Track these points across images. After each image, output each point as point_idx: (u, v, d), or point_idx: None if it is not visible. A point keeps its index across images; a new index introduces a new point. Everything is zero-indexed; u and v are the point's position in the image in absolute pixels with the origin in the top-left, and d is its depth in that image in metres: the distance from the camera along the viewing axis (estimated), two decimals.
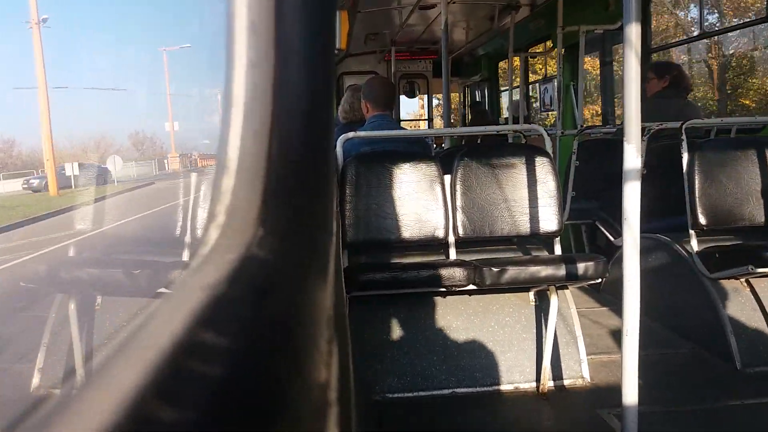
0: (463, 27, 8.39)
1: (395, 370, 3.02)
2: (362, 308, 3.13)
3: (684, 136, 3.50)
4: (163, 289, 2.94)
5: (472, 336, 3.13)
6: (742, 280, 3.35)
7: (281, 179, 0.49)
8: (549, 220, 3.25)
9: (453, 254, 3.28)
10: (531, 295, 3.22)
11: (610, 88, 6.99)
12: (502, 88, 9.89)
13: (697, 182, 3.45)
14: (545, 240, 3.38)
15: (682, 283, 3.52)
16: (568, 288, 3.19)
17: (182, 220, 3.38)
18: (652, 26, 6.14)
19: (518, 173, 3.30)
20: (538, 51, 8.15)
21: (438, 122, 13.06)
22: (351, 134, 3.44)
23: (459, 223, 3.25)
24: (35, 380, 3.16)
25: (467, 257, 3.20)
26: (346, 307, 2.62)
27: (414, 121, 12.58)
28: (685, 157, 3.48)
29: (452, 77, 8.88)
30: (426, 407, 2.87)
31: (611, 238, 4.44)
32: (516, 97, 7.87)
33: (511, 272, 2.83)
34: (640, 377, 2.22)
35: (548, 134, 3.51)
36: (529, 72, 8.84)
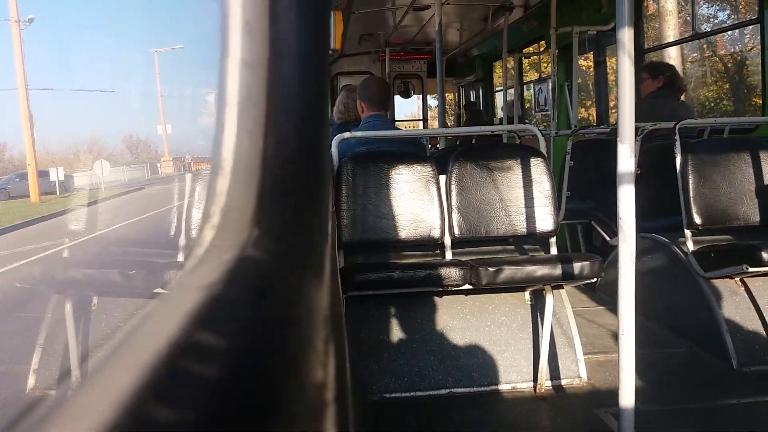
0: (457, 28, 8.41)
1: (392, 370, 3.02)
2: (359, 308, 3.14)
3: (677, 136, 3.51)
4: (159, 290, 2.94)
5: (468, 336, 3.14)
6: (737, 279, 3.37)
7: (276, 180, 0.49)
8: (544, 220, 3.26)
9: (449, 254, 3.28)
10: (527, 294, 3.23)
11: (603, 88, 7.01)
12: (497, 89, 9.91)
13: (691, 182, 3.46)
14: (541, 240, 3.39)
15: (677, 282, 3.53)
16: (563, 287, 3.20)
17: (175, 225, 3.37)
18: (644, 28, 6.17)
19: (513, 173, 3.31)
20: (532, 52, 8.17)
21: (433, 123, 13.09)
22: (346, 134, 3.45)
23: (455, 223, 3.25)
24: (30, 381, 3.15)
25: (463, 257, 3.21)
26: (342, 306, 2.62)
27: (409, 122, 12.57)
28: (679, 157, 3.50)
29: (447, 77, 8.90)
30: (423, 407, 2.88)
31: (607, 238, 4.45)
32: (510, 97, 7.88)
33: (507, 272, 2.84)
34: (636, 377, 2.23)
35: (543, 135, 3.52)
36: (524, 72, 8.85)
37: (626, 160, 2.14)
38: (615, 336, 2.25)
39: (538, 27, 7.13)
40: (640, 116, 2.62)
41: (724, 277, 3.34)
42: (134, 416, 0.29)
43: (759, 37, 4.42)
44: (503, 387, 3.02)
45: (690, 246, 3.46)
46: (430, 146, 6.62)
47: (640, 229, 2.31)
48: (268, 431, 0.36)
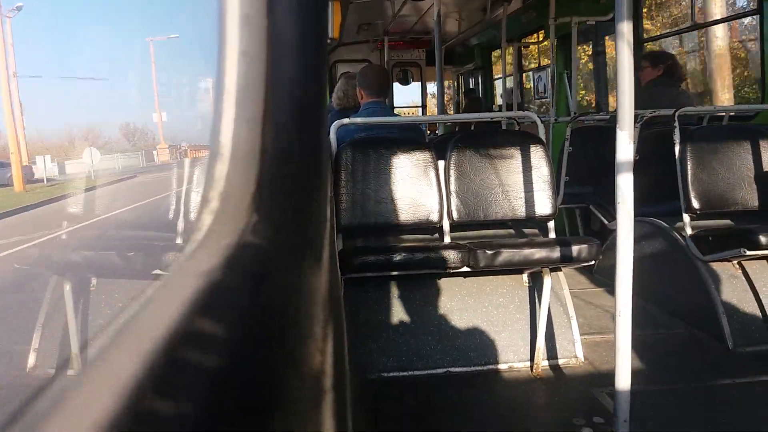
0: (455, 18, 8.36)
1: (390, 350, 3.05)
2: (357, 289, 3.16)
3: (677, 123, 3.52)
4: (158, 271, 2.95)
5: (466, 317, 3.16)
6: (735, 262, 3.40)
7: (275, 167, 0.49)
8: (543, 204, 3.27)
9: (447, 238, 3.30)
10: (525, 276, 3.25)
11: (603, 76, 6.99)
12: (496, 77, 9.87)
13: (689, 168, 3.48)
14: (539, 224, 3.41)
15: (675, 265, 3.56)
16: (561, 270, 3.22)
17: (174, 208, 3.37)
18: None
19: (512, 159, 3.31)
20: (530, 41, 8.13)
21: (432, 110, 13.05)
22: (345, 120, 3.44)
23: (453, 207, 3.26)
24: (31, 360, 3.16)
25: (462, 241, 3.22)
26: (340, 290, 2.64)
27: (408, 108, 12.53)
28: (678, 143, 3.52)
29: (445, 66, 8.85)
30: (421, 386, 2.90)
31: (605, 222, 4.47)
32: (510, 85, 7.85)
33: (505, 255, 2.85)
34: (633, 357, 2.25)
35: (542, 121, 3.52)
36: (523, 60, 8.81)
37: (625, 147, 2.14)
38: (612, 317, 2.27)
39: (537, 17, 7.09)
40: (639, 104, 2.63)
41: (721, 261, 3.36)
42: (135, 407, 0.29)
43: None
44: (500, 366, 3.05)
45: (688, 230, 3.48)
46: (429, 132, 6.61)
47: (638, 214, 2.32)
48: (269, 416, 0.36)
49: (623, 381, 2.20)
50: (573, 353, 3.10)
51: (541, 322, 3.02)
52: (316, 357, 0.51)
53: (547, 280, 3.00)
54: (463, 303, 3.19)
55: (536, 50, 8.47)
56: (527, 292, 3.23)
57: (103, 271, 3.14)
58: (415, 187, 3.26)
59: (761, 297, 3.28)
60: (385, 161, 3.28)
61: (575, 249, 2.86)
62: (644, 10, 6.23)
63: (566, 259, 2.87)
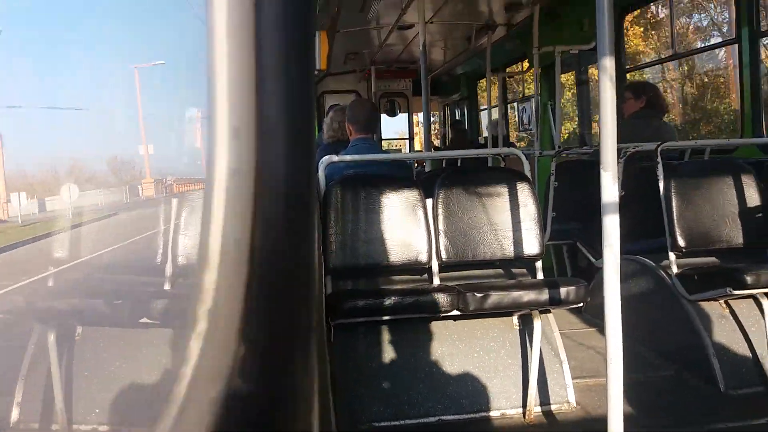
0: (441, 47, 8.47)
1: (381, 397, 3.01)
2: (347, 335, 3.12)
3: (660, 159, 3.54)
4: (145, 320, 2.91)
5: (457, 362, 3.13)
6: (722, 301, 3.39)
7: (264, 275, 0.49)
8: (530, 244, 3.28)
9: (436, 279, 3.29)
10: (515, 319, 3.23)
11: (586, 106, 7.07)
12: (482, 107, 9.97)
13: (674, 205, 3.49)
14: (527, 263, 3.40)
15: (663, 304, 3.55)
16: (551, 311, 3.21)
17: (161, 252, 3.33)
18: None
19: (499, 197, 3.33)
20: (515, 71, 8.24)
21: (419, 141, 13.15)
22: (334, 158, 3.46)
23: (442, 248, 3.26)
24: (14, 415, 3.08)
25: (451, 282, 3.21)
26: (325, 348, 2.62)
27: (395, 140, 12.61)
28: (662, 180, 3.53)
29: (432, 96, 8.93)
30: None
31: (592, 260, 4.47)
32: (495, 116, 7.94)
33: (495, 298, 2.85)
34: (625, 402, 2.23)
35: (527, 155, 3.55)
36: (508, 91, 8.92)
37: (610, 188, 2.16)
38: (604, 358, 2.25)
39: (521, 46, 7.19)
40: (622, 136, 2.64)
41: (708, 300, 3.36)
42: None
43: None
44: (493, 414, 3.01)
45: (674, 268, 3.48)
46: (416, 165, 6.64)
47: (624, 252, 2.32)
48: None
49: (616, 428, 2.18)
50: (565, 398, 3.07)
51: (533, 366, 3.00)
52: (300, 414, 0.50)
53: (537, 323, 2.99)
54: (454, 348, 3.16)
55: (521, 82, 8.59)
56: (517, 335, 3.21)
57: (88, 319, 3.09)
58: (404, 227, 3.26)
59: (750, 337, 3.27)
60: (374, 200, 3.28)
61: (563, 291, 2.86)
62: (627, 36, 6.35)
63: (555, 302, 2.87)
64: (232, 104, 0.49)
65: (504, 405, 3.04)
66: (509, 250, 3.28)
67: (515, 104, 8.98)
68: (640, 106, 4.78)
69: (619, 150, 2.41)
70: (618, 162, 2.56)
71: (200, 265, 0.48)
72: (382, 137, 10.57)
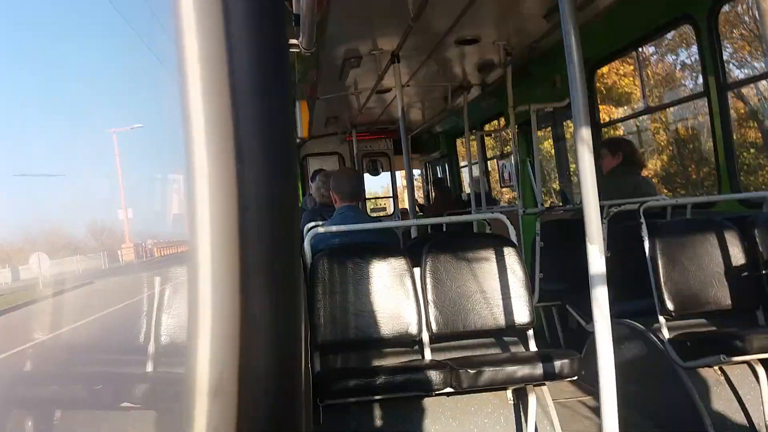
0: (419, 107, 8.64)
1: None
2: (336, 416, 3.02)
3: (643, 219, 3.55)
4: (127, 404, 2.81)
5: None
6: (716, 367, 3.30)
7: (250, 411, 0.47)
8: (521, 312, 3.25)
9: (428, 352, 3.23)
10: (509, 393, 3.16)
11: (565, 162, 7.17)
12: (462, 164, 10.10)
13: (660, 267, 3.45)
14: (519, 330, 3.36)
15: (656, 370, 3.46)
16: (545, 384, 3.15)
17: (144, 330, 3.25)
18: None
19: (486, 264, 3.32)
20: (492, 129, 8.40)
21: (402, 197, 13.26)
22: (320, 229, 3.45)
23: (432, 319, 3.22)
24: None
25: (442, 355, 3.16)
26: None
27: (379, 199, 12.70)
28: (647, 240, 3.51)
29: (413, 154, 9.06)
30: None
31: (583, 323, 4.41)
32: (476, 173, 8.04)
33: (488, 374, 2.81)
34: None
35: (511, 211, 3.56)
36: (486, 148, 9.07)
37: (597, 261, 2.15)
38: (600, 430, 2.20)
39: (497, 104, 7.33)
40: (602, 193, 2.66)
41: (702, 367, 3.27)
42: None
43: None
44: None
45: (665, 333, 3.39)
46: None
47: (613, 314, 2.30)
48: None
49: None
50: None
51: None
52: None
53: (532, 398, 2.94)
54: (448, 425, 3.08)
55: (499, 137, 8.75)
56: (512, 409, 3.14)
57: (68, 405, 2.98)
58: (393, 298, 3.23)
59: (746, 404, 3.19)
60: (362, 271, 3.25)
61: (558, 365, 2.83)
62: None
63: (548, 376, 2.84)
64: (213, 178, 0.48)
65: None
66: (500, 319, 3.25)
67: (495, 160, 9.12)
68: (618, 162, 4.85)
69: (601, 208, 2.42)
70: (602, 222, 2.57)
71: (188, 391, 0.45)
72: (366, 197, 10.64)
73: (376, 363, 3.21)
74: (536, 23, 5.07)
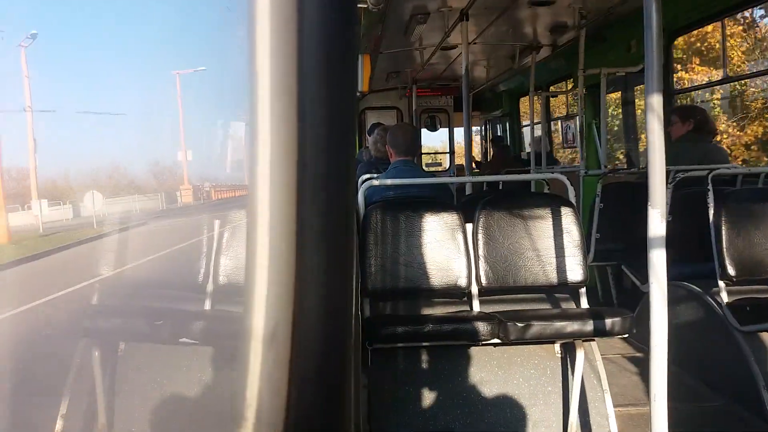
0: (483, 66, 8.44)
1: (418, 424, 2.99)
2: (384, 359, 3.11)
3: (710, 186, 3.46)
4: (185, 339, 2.96)
5: (496, 389, 3.09)
6: None
7: None
8: (573, 271, 3.22)
9: (476, 304, 3.25)
10: (557, 347, 3.17)
11: (633, 126, 6.93)
12: (524, 124, 9.89)
13: (724, 233, 3.40)
14: (571, 289, 3.34)
15: (712, 333, 3.45)
16: (594, 340, 3.14)
17: (203, 270, 3.38)
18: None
19: (541, 223, 3.28)
20: (559, 90, 8.15)
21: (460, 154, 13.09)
22: (374, 182, 3.48)
23: (482, 273, 3.23)
24: (58, 427, 3.16)
25: (491, 308, 3.18)
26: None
27: (435, 155, 12.61)
28: (712, 207, 3.45)
29: (473, 112, 8.91)
30: None
31: (638, 283, 4.37)
32: (538, 133, 7.85)
33: (536, 328, 2.80)
34: None
35: (572, 171, 3.50)
36: (551, 108, 8.83)
37: (657, 224, 2.10)
38: (647, 386, 2.18)
39: (566, 66, 7.12)
40: (669, 159, 2.59)
41: (761, 332, 3.25)
42: None
43: None
44: None
45: (724, 297, 3.38)
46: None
47: (670, 276, 2.26)
48: None
49: None
50: (607, 428, 2.99)
51: (574, 395, 2.94)
52: None
53: (580, 352, 2.93)
54: (493, 375, 3.12)
55: (565, 98, 8.49)
56: (559, 363, 3.15)
57: (131, 337, 3.16)
58: (443, 251, 3.24)
59: None
60: (413, 224, 3.28)
61: (608, 322, 2.79)
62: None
63: (599, 333, 2.81)
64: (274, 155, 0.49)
65: None
66: (552, 277, 3.23)
67: (558, 121, 8.88)
68: (688, 129, 4.69)
69: (667, 173, 2.35)
70: (666, 187, 2.50)
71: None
72: (422, 152, 10.58)
73: (425, 312, 3.26)
74: None
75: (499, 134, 10.89)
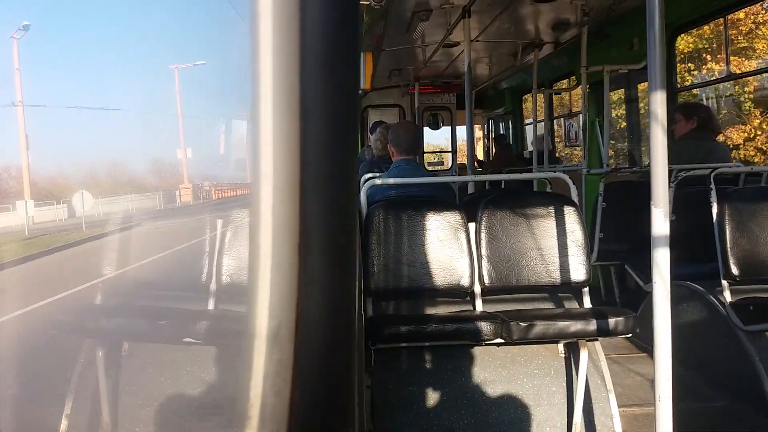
0: (486, 63, 8.43)
1: (421, 424, 2.98)
2: (387, 359, 3.11)
3: (713, 185, 3.45)
4: (188, 339, 2.97)
5: (499, 389, 3.09)
6: None
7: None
8: (577, 270, 3.21)
9: (479, 304, 3.25)
10: (560, 346, 3.17)
11: (636, 125, 6.92)
12: (526, 122, 9.88)
13: (728, 232, 3.40)
14: (574, 289, 3.34)
15: (715, 333, 3.44)
16: (597, 340, 3.14)
17: (207, 270, 3.39)
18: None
19: (544, 222, 3.28)
20: (562, 87, 8.14)
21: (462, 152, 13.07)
22: (377, 181, 3.48)
23: (485, 272, 3.23)
24: (63, 426, 3.17)
25: (494, 307, 3.17)
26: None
27: (437, 153, 12.59)
28: (715, 206, 3.44)
29: (476, 110, 8.90)
30: None
31: (641, 283, 4.37)
32: (540, 131, 7.84)
33: (539, 327, 2.80)
34: None
35: (574, 170, 3.50)
36: (553, 106, 8.81)
37: (660, 223, 2.10)
38: (652, 386, 2.18)
39: (569, 63, 7.11)
40: (673, 158, 2.59)
41: (765, 331, 3.24)
42: None
43: None
44: None
45: (728, 297, 3.37)
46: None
47: (673, 276, 2.26)
48: None
49: None
50: (611, 428, 2.99)
51: (578, 395, 2.93)
52: None
53: (584, 352, 2.92)
54: (497, 374, 3.12)
55: (567, 96, 8.47)
56: (563, 362, 3.15)
57: (134, 337, 3.17)
58: (446, 251, 3.24)
59: None
60: (416, 223, 3.28)
61: (612, 322, 2.79)
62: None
63: (602, 333, 2.80)
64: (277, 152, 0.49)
65: None
66: (555, 276, 3.22)
67: (561, 119, 8.87)
68: (691, 127, 4.68)
69: (669, 172, 2.35)
70: (669, 186, 2.50)
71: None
72: (425, 150, 10.56)
73: (428, 311, 3.26)
74: None
75: (501, 132, 10.88)
